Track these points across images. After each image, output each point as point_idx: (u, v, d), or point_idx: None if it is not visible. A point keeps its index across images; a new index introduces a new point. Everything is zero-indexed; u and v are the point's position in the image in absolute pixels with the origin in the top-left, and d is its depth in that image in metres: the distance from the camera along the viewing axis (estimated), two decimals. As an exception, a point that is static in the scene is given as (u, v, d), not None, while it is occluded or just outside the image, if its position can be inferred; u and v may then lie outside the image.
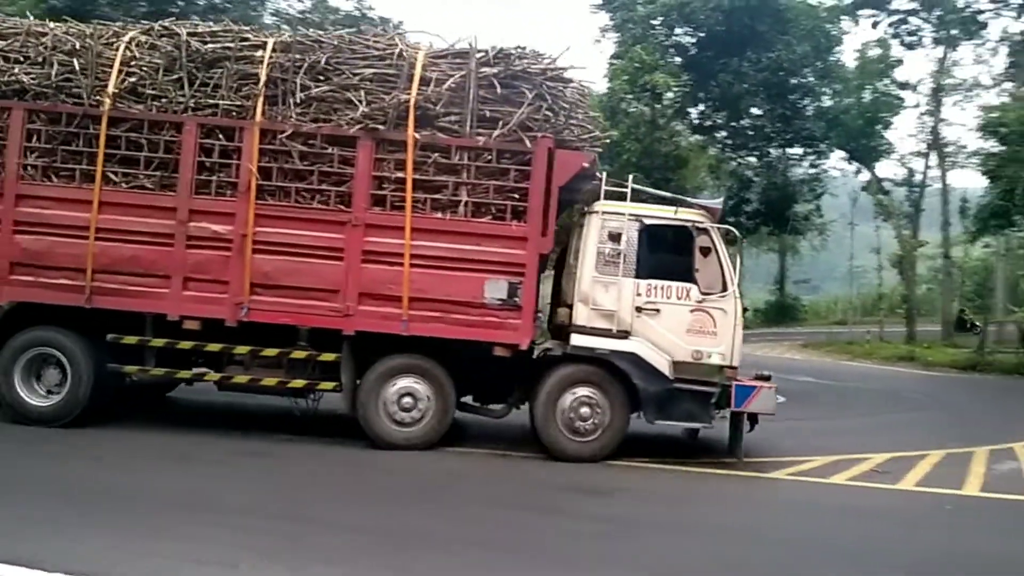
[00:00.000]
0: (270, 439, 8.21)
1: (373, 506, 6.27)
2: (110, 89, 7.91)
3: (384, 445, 7.94)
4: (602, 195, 8.40)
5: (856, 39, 52.05)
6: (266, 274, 7.94)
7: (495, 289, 7.94)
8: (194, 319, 7.95)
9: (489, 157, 7.96)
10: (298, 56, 7.99)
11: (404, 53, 8.05)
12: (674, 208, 8.76)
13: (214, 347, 8.07)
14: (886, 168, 32.58)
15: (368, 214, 7.92)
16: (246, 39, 8.18)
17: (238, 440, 8.12)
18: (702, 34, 20.25)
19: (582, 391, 8.10)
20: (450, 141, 7.94)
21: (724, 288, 8.29)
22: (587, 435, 8.08)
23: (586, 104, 8.98)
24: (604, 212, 8.34)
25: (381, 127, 7.88)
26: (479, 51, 7.99)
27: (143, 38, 8.19)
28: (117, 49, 8.05)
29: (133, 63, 8.04)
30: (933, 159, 33.37)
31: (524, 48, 8.17)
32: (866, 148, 27.50)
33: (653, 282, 8.25)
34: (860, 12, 32.27)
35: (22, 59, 8.12)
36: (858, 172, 31.70)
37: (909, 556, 5.67)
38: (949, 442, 10.42)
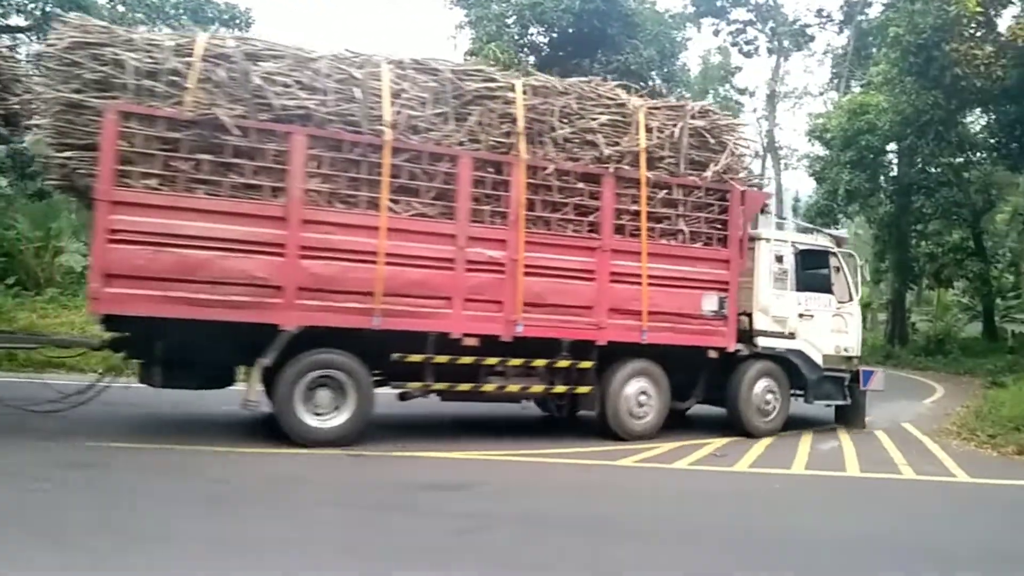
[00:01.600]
0: (102, 449, 7.64)
1: (211, 514, 5.91)
2: (387, 118, 8.26)
3: (628, 437, 9.41)
4: (773, 226, 11.05)
5: (699, 46, 54.77)
6: (536, 294, 8.88)
7: (710, 303, 9.69)
8: (473, 336, 8.62)
9: (700, 194, 9.65)
10: (550, 100, 9.03)
11: (630, 104, 9.46)
12: (814, 235, 11.73)
13: (491, 361, 8.81)
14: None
15: (613, 241, 9.21)
16: (494, 79, 8.98)
17: (66, 450, 7.50)
18: (555, 34, 20.66)
19: (765, 382, 10.30)
20: (672, 180, 9.51)
21: (850, 298, 11.06)
22: (769, 416, 10.34)
23: (750, 152, 11.11)
24: (772, 239, 10.65)
25: (625, 167, 9.21)
26: (689, 106, 9.97)
27: (400, 71, 8.59)
28: (381, 80, 8.40)
29: (402, 95, 8.45)
30: (769, 161, 35.77)
31: (714, 105, 10.78)
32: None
33: (808, 294, 10.69)
34: (702, 20, 34.16)
35: (297, 84, 8.13)
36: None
37: (740, 534, 6.00)
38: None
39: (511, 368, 8.97)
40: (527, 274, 8.82)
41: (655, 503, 7.01)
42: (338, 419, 8.19)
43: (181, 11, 17.89)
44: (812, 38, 35.19)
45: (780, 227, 10.76)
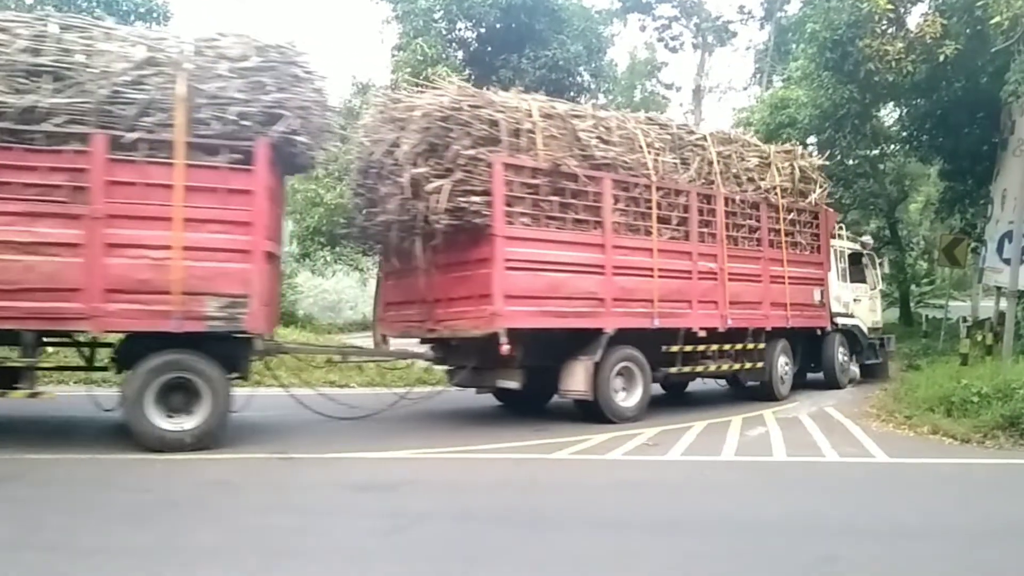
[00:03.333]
0: (17, 461, 7.31)
1: (136, 525, 5.70)
2: (650, 164, 11.03)
3: (780, 399, 13.00)
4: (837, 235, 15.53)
5: (626, 41, 55.47)
6: (734, 294, 12.03)
7: (817, 295, 13.89)
8: (703, 329, 11.59)
9: (807, 215, 13.82)
10: (726, 147, 12.46)
11: (765, 148, 13.35)
12: (853, 242, 16.37)
13: (713, 347, 11.99)
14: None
15: (769, 251, 12.83)
16: (695, 131, 12.56)
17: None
18: (482, 29, 20.59)
19: (843, 349, 14.92)
20: (792, 205, 13.38)
21: (875, 286, 16.40)
22: (847, 372, 15.04)
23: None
24: (835, 247, 14.96)
25: (771, 196, 12.88)
26: (793, 149, 14.21)
27: (644, 126, 11.46)
28: (637, 133, 11.15)
29: (654, 145, 11.26)
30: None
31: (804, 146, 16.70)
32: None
33: (855, 285, 15.60)
34: (628, 16, 34.58)
35: (598, 138, 10.57)
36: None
37: (671, 520, 6.10)
38: (710, 413, 11.45)
39: (721, 352, 12.09)
40: (729, 280, 11.90)
41: (588, 494, 7.06)
42: (631, 400, 10.79)
43: (94, 3, 17.16)
44: (735, 34, 35.98)
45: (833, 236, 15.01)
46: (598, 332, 10.26)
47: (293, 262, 22.39)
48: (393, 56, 19.79)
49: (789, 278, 13.04)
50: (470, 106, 9.55)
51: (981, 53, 14.99)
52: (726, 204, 12.04)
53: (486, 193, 9.36)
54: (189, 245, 7.87)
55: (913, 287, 29.06)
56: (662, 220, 11.17)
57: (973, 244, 20.26)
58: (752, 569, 4.97)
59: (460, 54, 20.91)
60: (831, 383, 14.45)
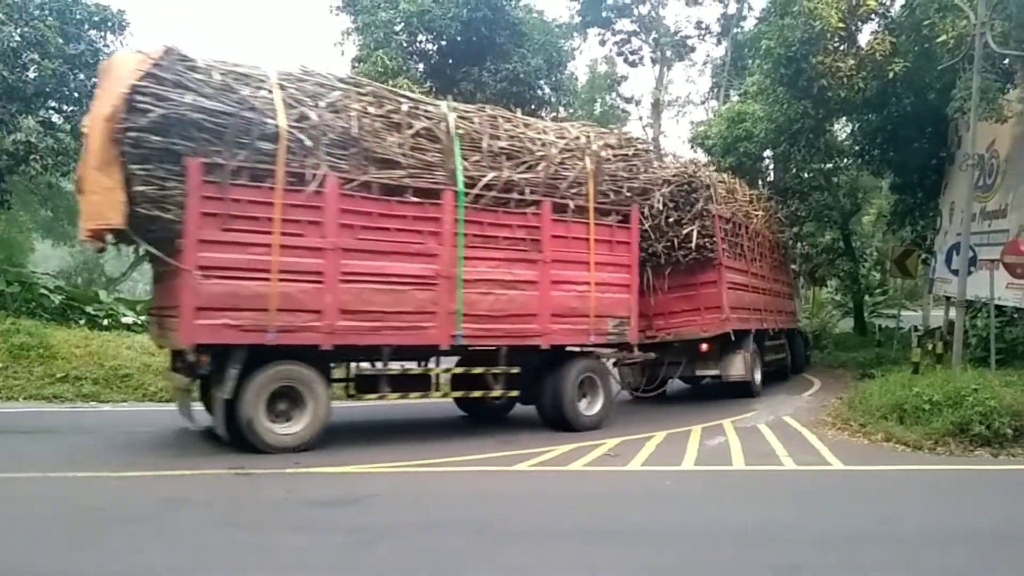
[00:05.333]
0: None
1: (88, 544, 5.55)
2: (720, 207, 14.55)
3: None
4: None
5: (586, 55, 55.98)
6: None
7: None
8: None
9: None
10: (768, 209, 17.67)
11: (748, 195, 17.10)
12: None
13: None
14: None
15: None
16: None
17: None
18: (443, 42, 20.63)
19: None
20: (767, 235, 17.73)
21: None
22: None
23: None
24: None
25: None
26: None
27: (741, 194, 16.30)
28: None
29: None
30: (655, 167, 36.70)
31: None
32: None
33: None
34: (589, 30, 34.91)
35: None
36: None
37: (632, 530, 6.14)
38: (670, 423, 11.55)
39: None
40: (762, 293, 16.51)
41: (550, 505, 7.08)
42: (758, 376, 15.18)
43: (47, 12, 16.81)
44: (693, 49, 36.57)
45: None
46: (749, 331, 14.74)
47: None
48: (353, 68, 19.76)
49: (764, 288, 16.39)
50: (704, 174, 14.55)
51: (928, 70, 15.42)
52: (726, 224, 14.70)
53: (711, 236, 13.90)
54: (598, 281, 10.92)
55: (867, 297, 29.70)
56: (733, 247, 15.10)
57: (923, 255, 20.78)
58: (712, 578, 5.02)
59: (421, 66, 20.94)
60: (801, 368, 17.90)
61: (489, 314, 9.95)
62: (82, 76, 17.32)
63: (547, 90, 22.62)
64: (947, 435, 9.74)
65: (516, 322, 10.15)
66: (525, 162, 10.30)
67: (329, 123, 8.80)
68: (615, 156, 11.44)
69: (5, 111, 16.79)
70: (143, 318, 17.09)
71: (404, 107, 9.54)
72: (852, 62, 16.29)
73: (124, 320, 17.78)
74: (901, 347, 19.30)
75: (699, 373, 14.64)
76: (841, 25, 16.26)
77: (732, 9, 33.93)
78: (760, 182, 27.39)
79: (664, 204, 13.60)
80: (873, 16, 17.24)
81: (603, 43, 36.07)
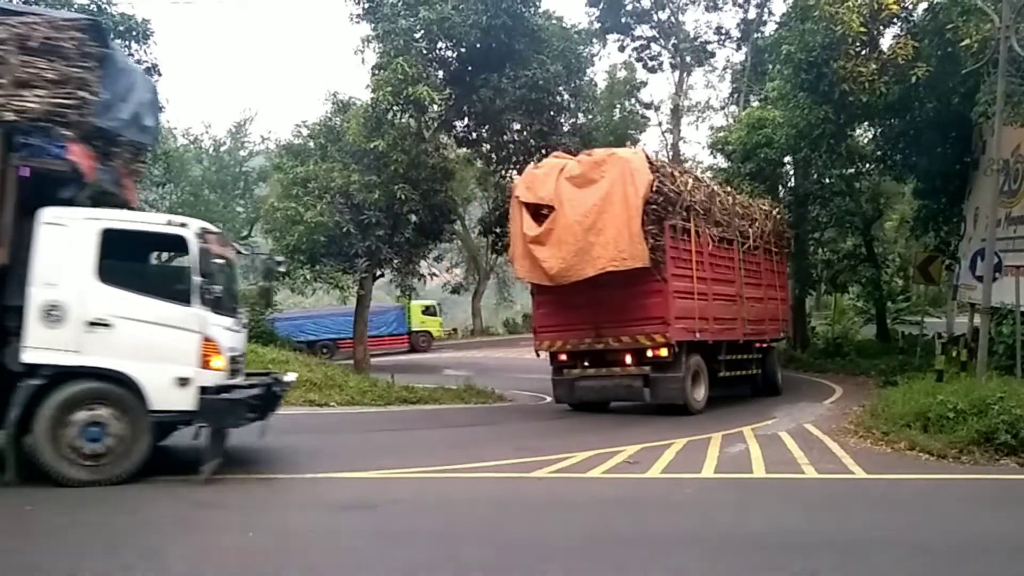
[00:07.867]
0: None
1: (120, 548, 5.62)
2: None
3: None
4: None
5: (605, 61, 55.94)
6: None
7: None
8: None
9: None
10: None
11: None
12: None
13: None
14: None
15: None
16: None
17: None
18: (463, 49, 20.65)
19: None
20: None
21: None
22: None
23: None
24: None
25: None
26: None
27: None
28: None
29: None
30: (674, 173, 36.59)
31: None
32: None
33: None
34: (608, 36, 34.91)
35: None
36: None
37: (654, 537, 6.11)
38: (690, 430, 11.48)
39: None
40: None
41: (569, 512, 7.07)
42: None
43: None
44: (712, 54, 36.44)
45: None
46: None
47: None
48: (374, 75, 19.81)
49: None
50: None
51: (952, 75, 15.27)
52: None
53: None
54: (775, 297, 17.82)
55: (889, 304, 29.40)
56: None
57: (947, 261, 20.54)
58: (733, 586, 4.98)
59: (440, 73, 20.97)
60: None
61: (755, 319, 16.27)
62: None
63: (566, 96, 22.53)
64: (972, 444, 9.59)
65: (761, 325, 16.71)
66: (754, 220, 16.94)
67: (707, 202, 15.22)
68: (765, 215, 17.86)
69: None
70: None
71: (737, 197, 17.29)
72: (874, 66, 16.16)
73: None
74: (925, 354, 19.04)
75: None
76: (862, 29, 16.15)
77: (752, 14, 33.77)
78: (781, 188, 27.31)
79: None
80: (895, 20, 17.12)
81: (622, 49, 36.05)
